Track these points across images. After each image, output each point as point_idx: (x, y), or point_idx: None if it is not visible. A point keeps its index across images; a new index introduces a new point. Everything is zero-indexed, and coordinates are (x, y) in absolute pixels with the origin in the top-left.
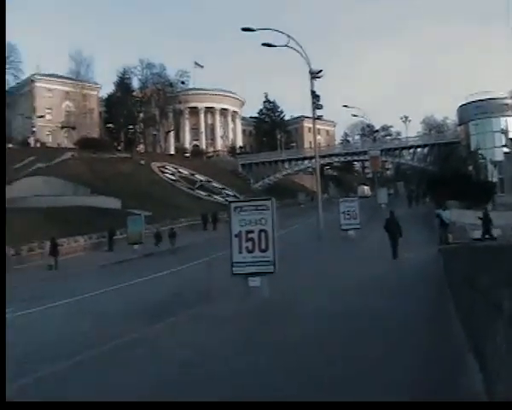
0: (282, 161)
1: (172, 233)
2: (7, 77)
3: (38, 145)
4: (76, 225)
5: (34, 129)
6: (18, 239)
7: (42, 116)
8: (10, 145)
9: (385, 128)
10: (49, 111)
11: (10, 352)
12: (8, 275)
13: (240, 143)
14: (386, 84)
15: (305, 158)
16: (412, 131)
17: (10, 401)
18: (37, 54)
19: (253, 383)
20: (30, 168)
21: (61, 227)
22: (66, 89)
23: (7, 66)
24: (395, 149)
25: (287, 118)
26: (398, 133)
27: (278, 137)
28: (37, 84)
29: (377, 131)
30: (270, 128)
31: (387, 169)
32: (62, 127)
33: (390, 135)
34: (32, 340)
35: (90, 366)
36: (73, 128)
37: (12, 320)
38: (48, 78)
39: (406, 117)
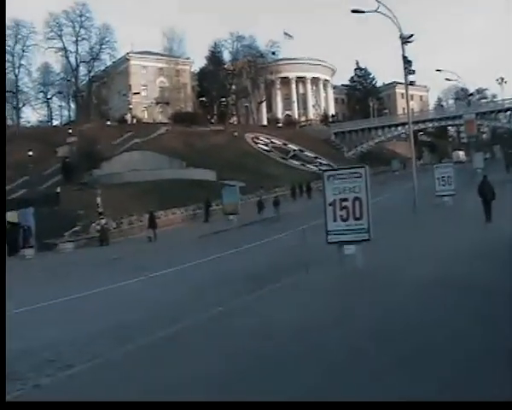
0: (375, 129)
1: (276, 201)
2: (103, 57)
3: (135, 121)
4: (172, 197)
5: (130, 106)
6: (118, 213)
7: (137, 93)
8: (109, 123)
9: (480, 91)
10: (144, 88)
11: (128, 317)
12: (109, 247)
13: (332, 111)
14: (481, 46)
15: (397, 125)
16: (508, 93)
17: (10, 401)
18: (130, 32)
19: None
20: (127, 144)
21: (158, 200)
22: (160, 65)
23: (103, 46)
24: (491, 111)
25: (378, 85)
26: (494, 96)
27: (370, 104)
28: (132, 62)
29: (472, 94)
30: (362, 95)
31: (483, 133)
32: (157, 103)
33: (485, 98)
34: (140, 305)
35: (191, 336)
36: (167, 103)
37: (119, 290)
38: (142, 55)
39: (502, 79)
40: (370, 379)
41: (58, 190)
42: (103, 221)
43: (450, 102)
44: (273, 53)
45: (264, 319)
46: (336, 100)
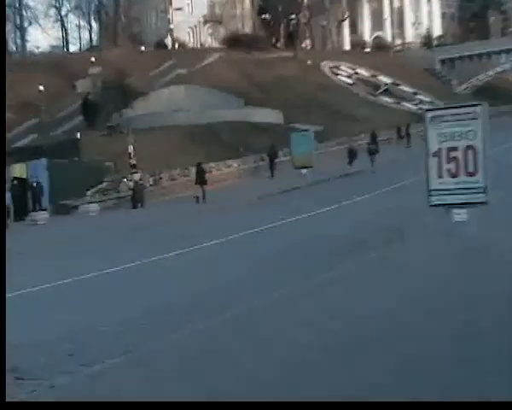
0: (497, 54)
1: (372, 149)
2: None
3: (177, 47)
4: (227, 146)
5: (171, 26)
6: (156, 166)
7: (179, 9)
8: (143, 48)
9: None
10: (188, 2)
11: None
12: (145, 210)
13: (438, 31)
14: None
15: None
16: None
17: (10, 401)
18: None
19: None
20: (168, 76)
21: (208, 149)
22: None
23: None
24: None
25: None
26: None
27: (491, 20)
28: None
29: None
30: (479, 8)
31: None
32: (205, 22)
33: None
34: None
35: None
36: (219, 23)
37: (156, 265)
38: None
39: None
40: None
41: (78, 136)
42: (137, 176)
43: None
44: None
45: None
46: (444, 15)
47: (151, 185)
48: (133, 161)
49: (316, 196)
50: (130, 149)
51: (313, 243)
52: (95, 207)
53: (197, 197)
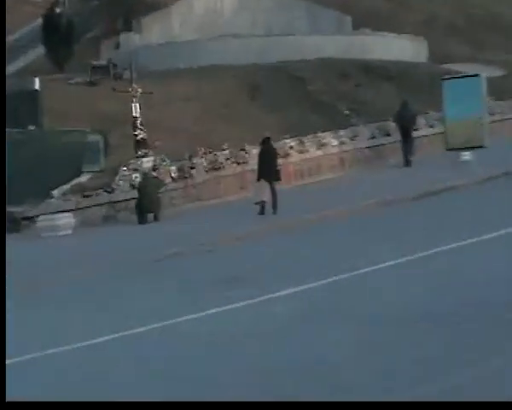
0: None
1: None
2: None
3: None
4: (319, 105)
5: None
6: (184, 144)
7: None
8: None
9: None
10: None
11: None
12: (166, 230)
13: None
14: None
15: None
16: None
17: (10, 401)
18: None
19: None
20: None
21: (283, 113)
22: None
23: None
24: None
25: None
26: None
27: None
28: None
29: None
30: None
31: None
32: None
33: None
34: None
35: None
36: None
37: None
38: None
39: None
40: None
41: (36, 84)
42: (148, 163)
43: None
44: None
45: None
46: None
47: (174, 180)
48: (141, 135)
49: (491, 204)
50: (136, 110)
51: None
52: (66, 220)
53: (262, 204)
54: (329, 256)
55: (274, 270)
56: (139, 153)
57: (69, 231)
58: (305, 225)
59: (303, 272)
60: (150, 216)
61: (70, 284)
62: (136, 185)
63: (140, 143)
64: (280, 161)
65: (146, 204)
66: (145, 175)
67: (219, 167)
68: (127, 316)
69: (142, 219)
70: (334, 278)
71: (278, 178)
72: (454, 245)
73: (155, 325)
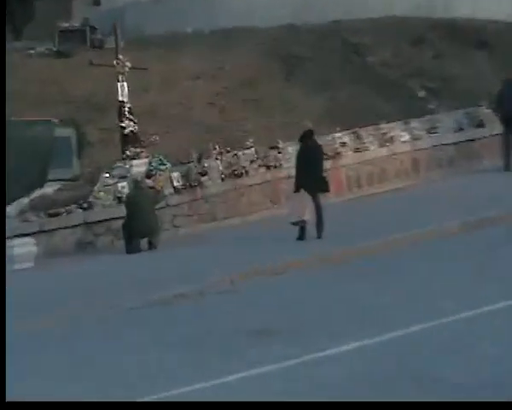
0: None
1: None
2: None
3: None
4: (384, 83)
5: None
6: (192, 141)
7: None
8: None
9: None
10: None
11: None
12: (165, 263)
13: None
14: None
15: None
16: None
17: (10, 401)
18: None
19: None
20: None
21: (338, 92)
22: None
23: None
24: None
25: None
26: None
27: None
28: None
29: None
30: None
31: None
32: None
33: None
34: None
35: None
36: None
37: None
38: None
39: None
40: None
41: None
42: (138, 167)
43: None
44: None
45: None
46: None
47: (177, 191)
48: (130, 127)
49: None
50: (123, 92)
51: None
52: (26, 248)
53: (301, 225)
54: (398, 299)
55: (320, 318)
56: (128, 153)
57: (29, 264)
58: (362, 255)
59: (361, 320)
60: (143, 242)
61: (27, 341)
62: (124, 199)
63: (129, 139)
64: (327, 163)
65: (137, 225)
66: (136, 184)
67: (241, 173)
68: (112, 384)
69: (131, 247)
70: (406, 330)
71: (325, 189)
72: None
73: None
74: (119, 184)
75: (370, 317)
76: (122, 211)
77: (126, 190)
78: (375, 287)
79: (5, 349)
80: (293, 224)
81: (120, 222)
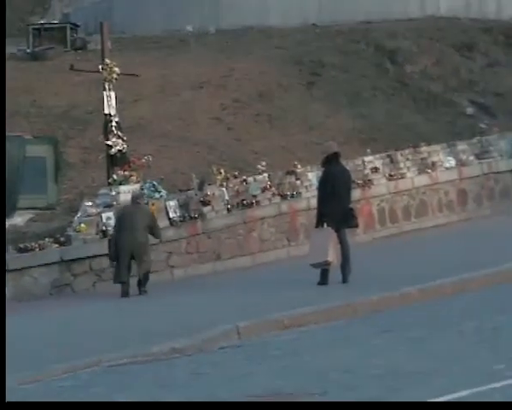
0: None
1: None
2: None
3: None
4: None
5: None
6: (194, 164)
7: None
8: None
9: None
10: None
11: None
12: (160, 316)
13: None
14: None
15: None
16: None
17: (10, 401)
18: None
19: None
20: None
21: (361, 109)
22: None
23: None
24: None
25: None
26: None
27: None
28: None
29: None
30: None
31: None
32: None
33: None
34: None
35: None
36: None
37: None
38: None
39: None
40: None
41: None
42: (129, 191)
43: None
44: None
45: None
46: None
47: (174, 224)
48: (118, 146)
49: None
50: (110, 103)
51: None
52: None
53: (324, 266)
54: (447, 360)
55: (350, 386)
56: (114, 177)
57: None
58: (398, 305)
59: (400, 387)
60: (132, 284)
61: None
62: (118, 212)
63: (116, 160)
64: (356, 192)
65: (126, 239)
66: (134, 200)
67: (251, 203)
68: None
69: (123, 292)
70: (464, 392)
71: (353, 223)
72: None
73: None
74: (104, 215)
75: (411, 377)
76: (105, 248)
77: (112, 222)
78: (413, 339)
79: (5, 349)
80: (314, 266)
81: (104, 260)
